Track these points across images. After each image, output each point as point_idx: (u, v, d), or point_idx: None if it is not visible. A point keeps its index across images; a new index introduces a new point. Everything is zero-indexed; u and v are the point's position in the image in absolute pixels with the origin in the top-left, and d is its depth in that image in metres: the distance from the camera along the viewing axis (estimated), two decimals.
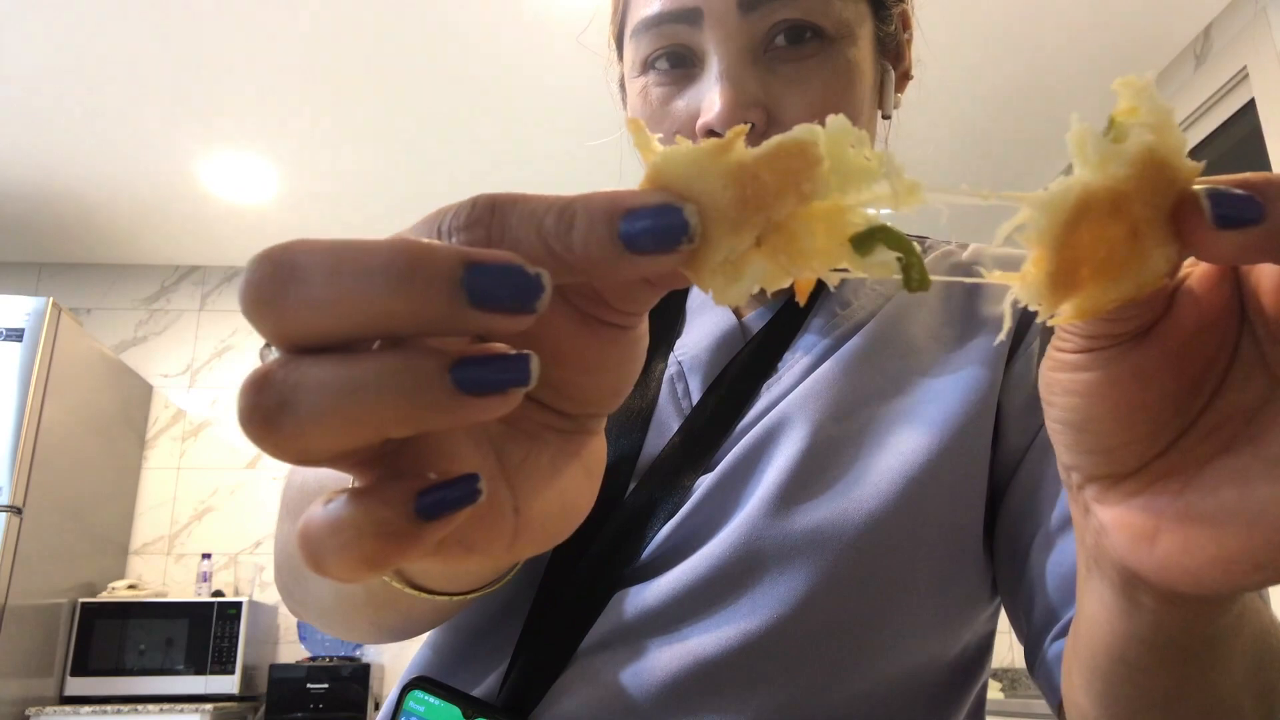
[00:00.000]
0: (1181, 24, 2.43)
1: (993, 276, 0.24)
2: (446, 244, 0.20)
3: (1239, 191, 0.21)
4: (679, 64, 0.56)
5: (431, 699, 0.48)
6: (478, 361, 0.20)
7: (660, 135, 0.43)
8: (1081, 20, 2.40)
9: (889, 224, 0.23)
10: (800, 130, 0.22)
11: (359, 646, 3.16)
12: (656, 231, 0.21)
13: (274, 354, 0.21)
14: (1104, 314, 0.23)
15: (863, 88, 0.56)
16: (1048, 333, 0.57)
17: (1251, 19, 2.26)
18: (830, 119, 0.22)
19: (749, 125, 0.24)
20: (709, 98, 0.53)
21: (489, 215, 0.22)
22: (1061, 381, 0.26)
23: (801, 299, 0.25)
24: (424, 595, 0.39)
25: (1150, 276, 0.22)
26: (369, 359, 0.20)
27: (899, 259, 0.22)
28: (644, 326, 0.26)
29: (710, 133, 0.53)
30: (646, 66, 0.57)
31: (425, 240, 0.20)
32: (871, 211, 0.22)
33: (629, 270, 0.21)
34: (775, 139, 0.22)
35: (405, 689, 0.49)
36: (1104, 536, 0.27)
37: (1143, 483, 0.25)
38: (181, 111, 2.72)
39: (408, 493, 0.21)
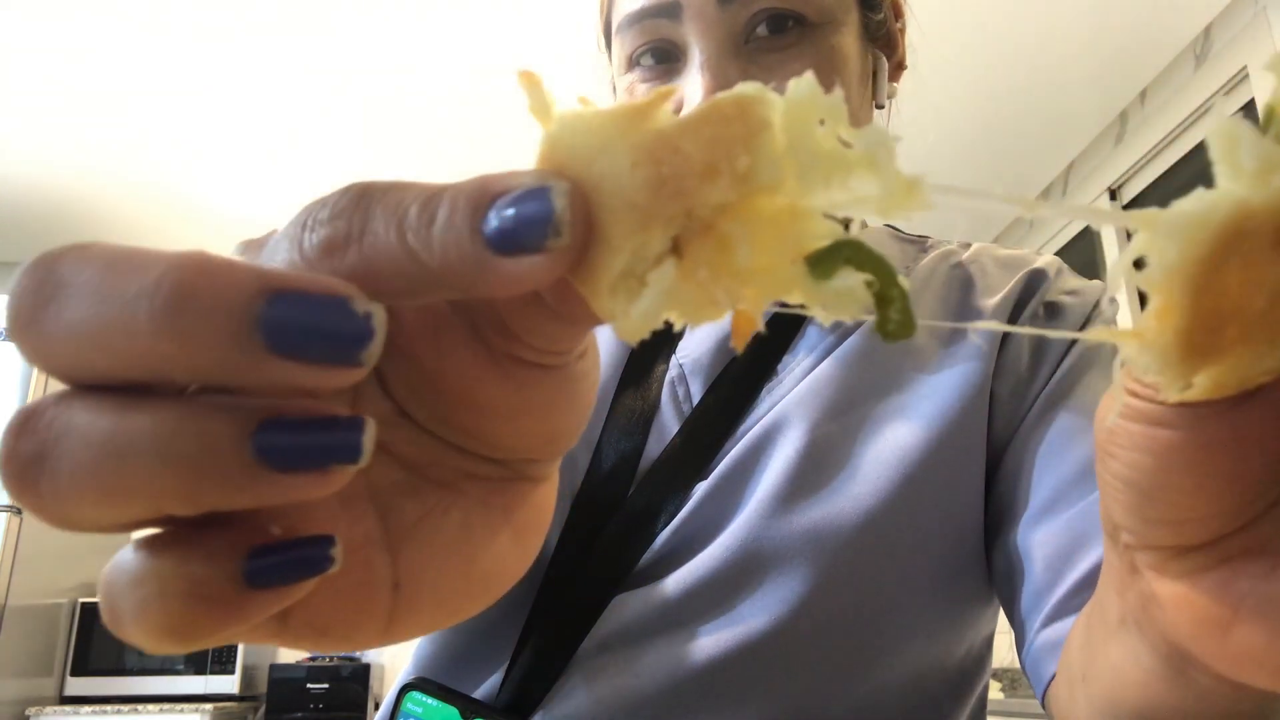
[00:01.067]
0: (1181, 24, 2.42)
1: (1102, 333, 0.18)
2: (245, 264, 0.15)
3: None
4: (663, 59, 0.55)
5: (429, 700, 0.48)
6: (292, 426, 0.15)
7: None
8: (1081, 20, 2.40)
9: (862, 241, 0.16)
10: (746, 86, 0.16)
11: None
12: (519, 224, 0.15)
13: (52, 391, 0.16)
14: (1221, 394, 0.17)
15: (849, 75, 0.55)
16: (1049, 308, 0.57)
17: (1251, 19, 2.26)
18: (794, 81, 0.16)
19: (672, 90, 0.18)
20: (690, 90, 0.52)
21: (353, 207, 0.17)
22: (1134, 435, 0.20)
23: (738, 344, 0.18)
24: None
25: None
26: (148, 411, 0.15)
27: (873, 291, 0.16)
28: (587, 362, 0.21)
29: None
30: (631, 64, 0.57)
31: (218, 258, 0.15)
32: (843, 221, 0.16)
33: (496, 281, 0.16)
34: (708, 100, 0.16)
35: (403, 690, 0.49)
36: (1157, 609, 0.22)
37: (1218, 558, 0.20)
38: (182, 112, 2.72)
39: (236, 548, 0.16)
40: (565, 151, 0.16)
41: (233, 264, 0.15)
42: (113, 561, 0.17)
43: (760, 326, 0.18)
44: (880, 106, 0.62)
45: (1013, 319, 0.57)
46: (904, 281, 0.16)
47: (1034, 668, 0.49)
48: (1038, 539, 0.49)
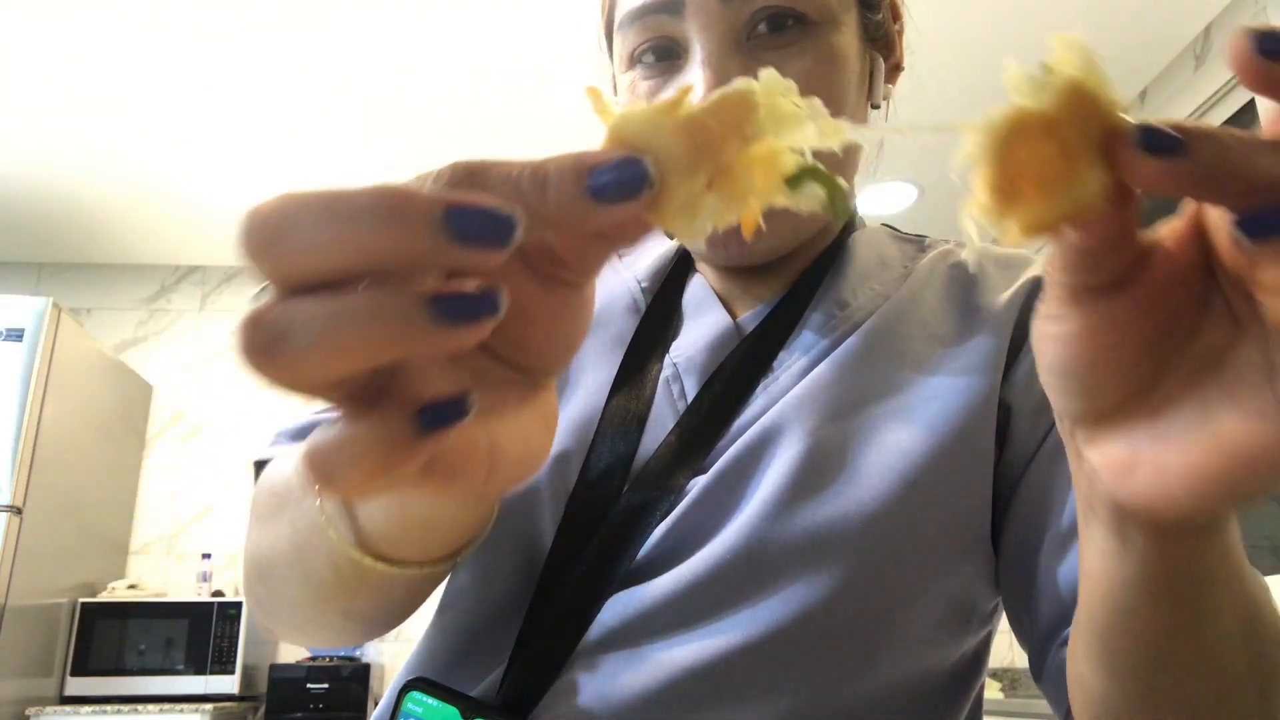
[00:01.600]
0: (1181, 24, 2.43)
1: (971, 207, 0.26)
2: (429, 189, 0.23)
3: (1164, 126, 0.23)
4: (664, 56, 0.56)
5: (429, 699, 0.48)
6: (453, 295, 0.22)
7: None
8: (1081, 20, 2.40)
9: (817, 164, 0.26)
10: (739, 82, 0.25)
11: (359, 646, 3.16)
12: (621, 183, 0.23)
13: (266, 297, 0.23)
14: (1048, 231, 0.25)
15: (848, 73, 0.56)
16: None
17: (1251, 19, 2.26)
18: (762, 71, 0.26)
19: (690, 86, 0.27)
20: (692, 78, 0.53)
21: (467, 178, 0.24)
22: (1048, 331, 0.27)
23: (747, 233, 0.27)
24: (393, 569, 0.38)
25: (1086, 196, 0.24)
26: (357, 294, 0.22)
27: (826, 192, 0.26)
28: (592, 290, 0.29)
29: None
30: (633, 61, 0.58)
31: (409, 187, 0.22)
32: (805, 153, 0.26)
33: (599, 219, 0.23)
34: (718, 91, 0.25)
35: (403, 690, 0.49)
36: (1094, 477, 0.29)
37: (1121, 420, 0.27)
38: (182, 112, 2.72)
39: (409, 409, 0.23)
40: (627, 136, 0.24)
41: (419, 189, 0.22)
42: (311, 445, 0.23)
43: (761, 224, 0.27)
44: (876, 106, 0.63)
45: (1018, 327, 0.57)
46: (842, 183, 0.26)
47: (1055, 684, 0.49)
48: (1065, 561, 0.49)
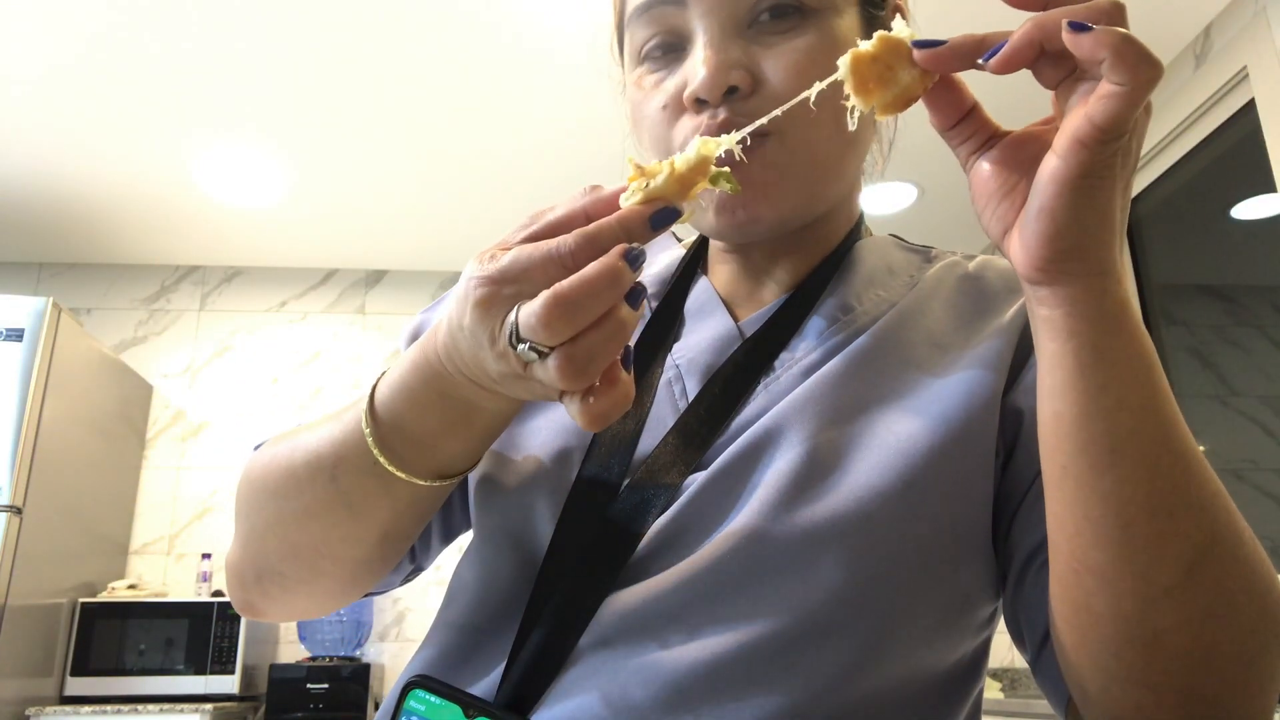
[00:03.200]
0: (1181, 24, 2.43)
1: (853, 97, 0.46)
2: (615, 259, 0.41)
3: (928, 38, 0.43)
4: (669, 50, 0.59)
5: (432, 698, 0.48)
6: (632, 296, 0.42)
7: (647, 119, 0.60)
8: None
9: (724, 170, 0.46)
10: (700, 145, 0.45)
11: (359, 646, 3.16)
12: (665, 219, 0.44)
13: (535, 350, 0.42)
14: (893, 111, 0.46)
15: None
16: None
17: (1251, 19, 2.26)
18: (713, 142, 0.46)
19: (668, 170, 0.45)
20: (693, 67, 0.56)
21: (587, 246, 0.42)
22: (970, 182, 0.46)
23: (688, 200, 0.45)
24: (402, 477, 0.50)
25: (906, 82, 0.44)
26: (611, 319, 0.42)
27: (728, 185, 0.46)
28: None
29: (697, 101, 0.55)
30: (640, 57, 0.60)
31: (602, 228, 0.42)
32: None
33: (652, 235, 0.43)
34: (694, 151, 0.45)
35: (406, 688, 0.49)
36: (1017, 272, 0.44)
37: (1010, 225, 0.44)
38: (182, 111, 2.72)
39: (618, 369, 0.44)
40: (654, 193, 0.44)
41: (633, 211, 0.43)
42: (586, 408, 0.43)
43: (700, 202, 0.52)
44: None
45: (1021, 343, 0.58)
46: (728, 177, 0.46)
47: (1052, 676, 0.51)
48: None
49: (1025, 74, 0.42)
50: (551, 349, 0.41)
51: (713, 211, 0.58)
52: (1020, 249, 0.42)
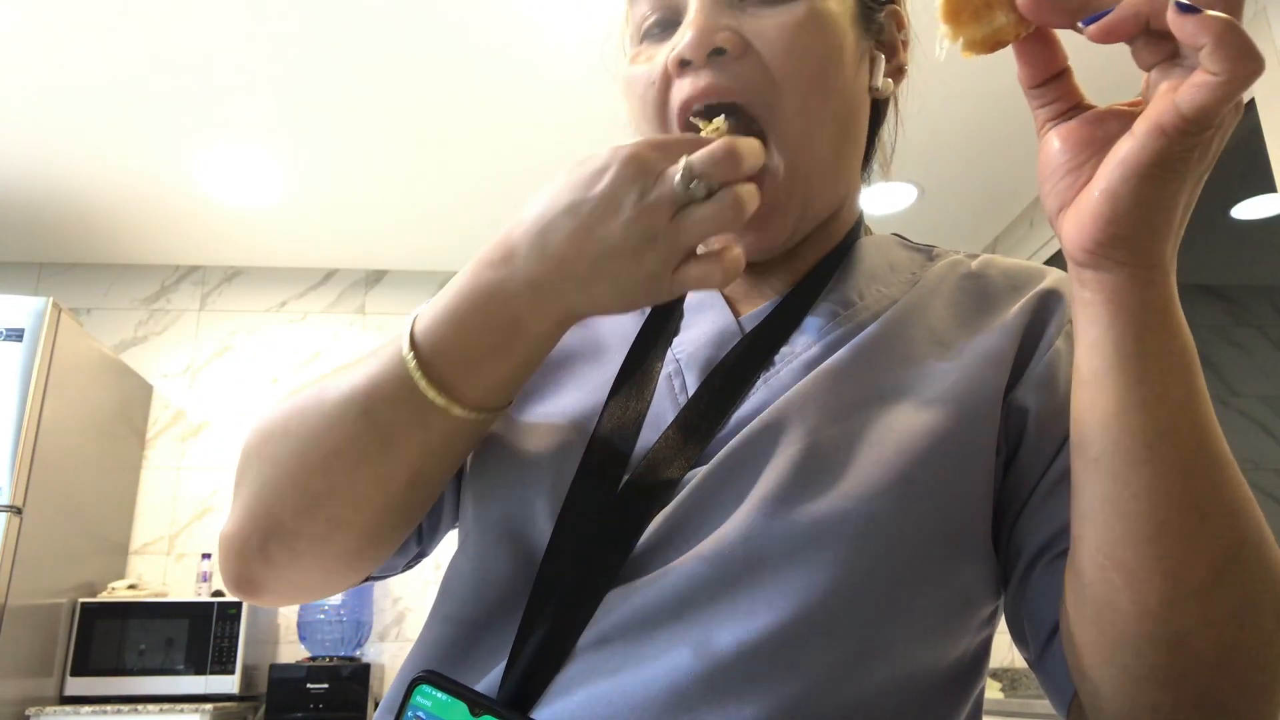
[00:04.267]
0: None
1: (941, 32, 0.42)
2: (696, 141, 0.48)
3: None
4: (667, 27, 0.60)
5: (438, 694, 0.48)
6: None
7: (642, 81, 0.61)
8: None
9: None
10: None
11: (359, 646, 3.16)
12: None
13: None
14: (979, 50, 0.42)
15: (834, 38, 0.59)
16: (1069, 337, 0.58)
17: (1251, 19, 2.26)
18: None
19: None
20: (681, 32, 0.57)
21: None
22: (1040, 149, 0.44)
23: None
24: (450, 405, 0.50)
25: (1002, 23, 0.40)
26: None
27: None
28: None
29: (681, 63, 0.57)
30: (640, 35, 0.62)
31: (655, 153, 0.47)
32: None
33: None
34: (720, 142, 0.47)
35: (412, 683, 0.49)
36: (1065, 248, 0.43)
37: (1068, 202, 0.42)
38: (181, 111, 2.72)
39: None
40: (958, 8, 0.42)
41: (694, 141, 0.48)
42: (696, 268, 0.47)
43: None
44: (875, 95, 0.64)
45: (1025, 340, 0.57)
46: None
47: (1054, 675, 0.51)
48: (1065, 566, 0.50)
49: (1121, 50, 0.40)
50: (721, 186, 0.46)
51: (716, 240, 0.58)
52: (1073, 227, 0.41)
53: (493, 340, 0.50)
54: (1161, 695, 0.44)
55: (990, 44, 0.42)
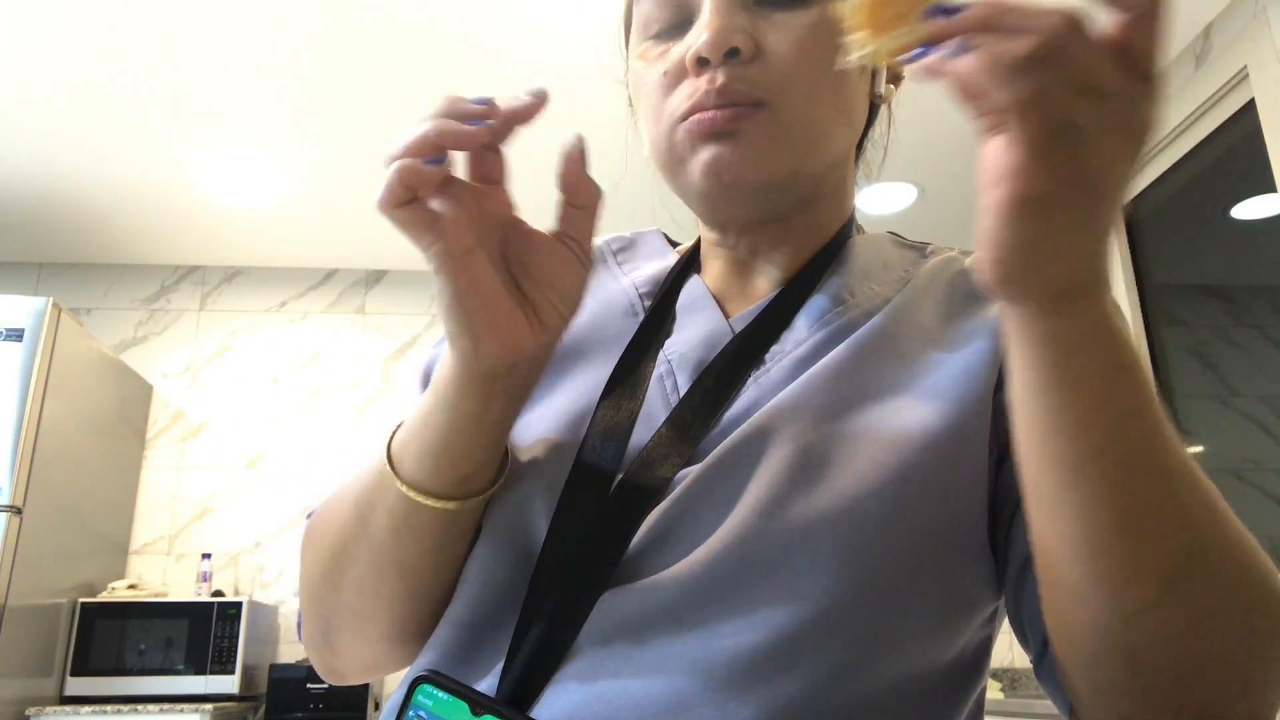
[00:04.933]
0: (1181, 24, 2.43)
1: (851, 42, 0.40)
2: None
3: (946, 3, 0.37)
4: (676, 27, 0.61)
5: (440, 694, 0.48)
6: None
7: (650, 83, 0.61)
8: None
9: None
10: None
11: None
12: None
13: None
14: (888, 59, 0.40)
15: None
16: None
17: (1251, 19, 2.26)
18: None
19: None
20: (697, 31, 0.58)
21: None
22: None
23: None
24: (433, 502, 0.52)
25: (910, 39, 0.39)
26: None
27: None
28: (589, 260, 0.52)
29: (698, 61, 0.57)
30: (647, 33, 0.62)
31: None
32: None
33: None
34: None
35: (414, 683, 0.49)
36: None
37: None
38: (181, 111, 2.72)
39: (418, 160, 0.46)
40: (879, 18, 0.39)
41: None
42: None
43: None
44: (876, 100, 0.65)
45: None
46: None
47: (1055, 679, 0.50)
48: None
49: None
50: None
51: (699, 172, 0.58)
52: (976, 261, 0.39)
53: (422, 413, 0.53)
54: (1130, 706, 0.44)
55: (903, 48, 0.40)
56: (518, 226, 0.52)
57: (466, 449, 0.52)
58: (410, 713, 0.48)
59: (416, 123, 0.47)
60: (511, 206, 0.52)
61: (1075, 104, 0.34)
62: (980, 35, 0.35)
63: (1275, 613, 0.44)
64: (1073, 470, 0.41)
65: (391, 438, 0.54)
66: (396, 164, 0.46)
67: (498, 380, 0.51)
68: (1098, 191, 0.36)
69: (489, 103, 0.50)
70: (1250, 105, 2.29)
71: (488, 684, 0.51)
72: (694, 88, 0.58)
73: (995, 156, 0.36)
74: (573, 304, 0.52)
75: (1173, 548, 0.41)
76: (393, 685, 3.31)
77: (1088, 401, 0.40)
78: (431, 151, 0.47)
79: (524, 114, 0.51)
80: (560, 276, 0.51)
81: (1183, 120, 2.51)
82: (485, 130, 0.48)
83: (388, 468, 0.53)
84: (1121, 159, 0.36)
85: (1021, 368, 0.42)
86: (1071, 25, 0.34)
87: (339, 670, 0.63)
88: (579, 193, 0.51)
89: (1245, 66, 2.27)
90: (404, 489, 0.52)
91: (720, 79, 0.56)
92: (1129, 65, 0.35)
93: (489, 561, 0.56)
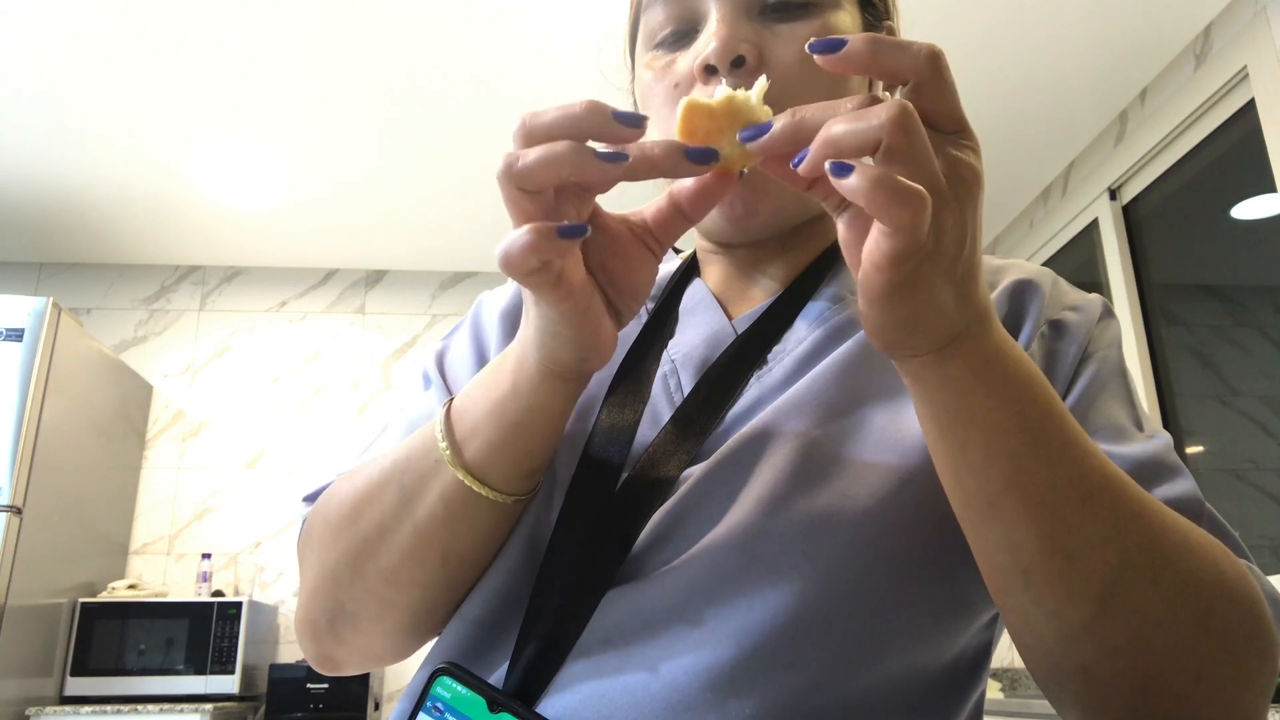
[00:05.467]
0: (1181, 24, 2.43)
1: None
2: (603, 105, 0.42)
3: (759, 124, 0.41)
4: (682, 36, 0.62)
5: (458, 687, 0.48)
6: (607, 150, 0.41)
7: (659, 90, 0.62)
8: (1081, 20, 2.40)
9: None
10: (724, 90, 0.43)
11: None
12: (705, 155, 0.42)
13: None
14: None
15: None
16: (1054, 327, 0.59)
17: (1251, 19, 2.26)
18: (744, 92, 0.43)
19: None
20: (705, 40, 0.59)
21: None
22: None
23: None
24: (493, 494, 0.52)
25: (730, 155, 0.42)
26: (561, 140, 0.41)
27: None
28: (660, 259, 0.49)
29: (706, 69, 0.58)
30: (654, 42, 0.63)
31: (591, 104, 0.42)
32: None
33: (691, 171, 0.42)
34: (723, 94, 0.43)
35: (433, 674, 0.49)
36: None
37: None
38: (182, 112, 2.72)
39: (554, 225, 0.41)
40: (693, 130, 0.43)
41: (600, 104, 0.42)
42: (502, 244, 0.41)
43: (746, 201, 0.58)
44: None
45: (1005, 324, 0.57)
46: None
47: None
48: None
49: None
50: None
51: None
52: (862, 323, 0.42)
53: (493, 403, 0.51)
54: (1093, 715, 0.46)
55: (734, 164, 0.43)
56: (602, 225, 0.47)
57: (545, 441, 0.52)
58: (428, 703, 0.49)
59: (542, 132, 0.42)
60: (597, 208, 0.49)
61: (930, 186, 0.37)
62: (815, 143, 0.38)
63: (1233, 616, 0.44)
64: (989, 504, 0.43)
65: (447, 424, 0.53)
66: (531, 234, 0.41)
67: (583, 380, 0.51)
68: (957, 254, 0.39)
69: (634, 120, 0.42)
70: (1250, 105, 2.29)
71: (493, 680, 0.51)
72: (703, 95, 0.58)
73: (870, 248, 0.39)
74: (643, 301, 0.50)
75: (1103, 564, 0.42)
76: (391, 684, 3.32)
77: (990, 437, 0.42)
78: (555, 182, 0.42)
79: (660, 161, 0.43)
80: (637, 277, 0.48)
81: (1183, 120, 2.51)
82: (621, 170, 0.41)
83: (448, 455, 0.52)
84: (970, 215, 0.39)
85: (923, 415, 0.44)
86: (905, 113, 0.37)
87: (337, 659, 0.61)
88: (698, 207, 0.46)
89: (1245, 66, 2.27)
90: (467, 479, 0.51)
91: (726, 86, 0.57)
92: (948, 128, 0.40)
93: (500, 559, 0.56)
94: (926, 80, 0.40)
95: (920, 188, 0.36)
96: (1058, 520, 0.42)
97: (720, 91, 0.42)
